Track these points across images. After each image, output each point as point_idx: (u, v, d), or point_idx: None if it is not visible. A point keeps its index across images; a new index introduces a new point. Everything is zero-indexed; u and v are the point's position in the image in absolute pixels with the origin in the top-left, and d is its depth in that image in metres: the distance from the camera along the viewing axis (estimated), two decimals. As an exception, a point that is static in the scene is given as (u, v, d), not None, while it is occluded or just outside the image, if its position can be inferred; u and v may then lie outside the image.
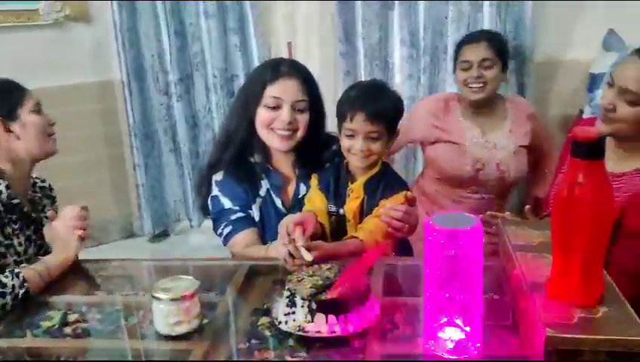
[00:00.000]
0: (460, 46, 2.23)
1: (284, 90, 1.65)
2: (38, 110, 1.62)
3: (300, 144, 1.71)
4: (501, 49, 2.18)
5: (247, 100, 1.71)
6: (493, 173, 2.19)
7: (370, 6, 2.92)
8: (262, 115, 1.67)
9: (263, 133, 1.69)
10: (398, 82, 3.02)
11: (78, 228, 1.54)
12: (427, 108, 2.29)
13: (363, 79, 2.97)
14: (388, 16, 2.96)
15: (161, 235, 3.49)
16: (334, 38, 3.02)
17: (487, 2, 2.82)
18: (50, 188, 1.77)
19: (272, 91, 1.65)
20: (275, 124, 1.66)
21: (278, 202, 1.73)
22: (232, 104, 1.84)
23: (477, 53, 2.14)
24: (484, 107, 2.20)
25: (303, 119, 1.68)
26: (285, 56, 3.17)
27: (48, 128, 1.65)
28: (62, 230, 1.54)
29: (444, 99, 2.32)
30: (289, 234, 1.41)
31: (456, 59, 2.24)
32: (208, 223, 1.82)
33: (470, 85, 2.15)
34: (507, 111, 2.24)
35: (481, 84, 2.13)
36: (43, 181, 1.76)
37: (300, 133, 1.68)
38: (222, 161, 1.75)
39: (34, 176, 1.71)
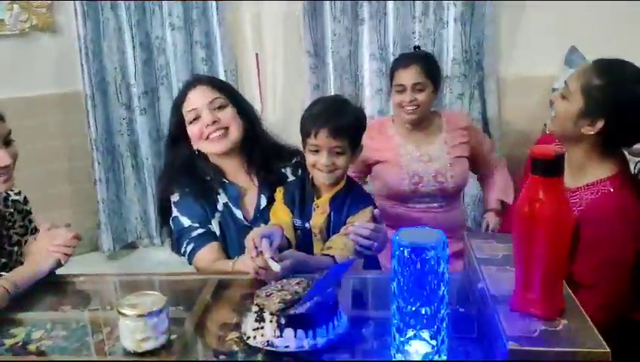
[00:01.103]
0: (393, 69, 2.30)
1: (194, 100, 1.71)
2: None
3: (243, 147, 1.74)
4: (432, 71, 2.25)
5: (176, 128, 1.76)
6: (432, 184, 2.25)
7: (340, 20, 2.95)
8: (190, 131, 1.72)
9: (201, 146, 1.73)
10: (368, 96, 3.05)
11: (60, 253, 1.51)
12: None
13: (333, 93, 2.99)
14: (358, 31, 3.00)
15: (127, 248, 3.43)
16: (303, 51, 3.03)
17: (452, 19, 2.88)
18: (25, 202, 1.71)
19: (187, 107, 1.72)
20: (204, 132, 1.69)
21: (239, 213, 1.74)
22: (166, 137, 1.89)
23: (409, 77, 2.21)
24: (419, 124, 2.27)
25: (228, 114, 1.71)
26: (253, 68, 3.20)
27: None
28: (41, 248, 1.51)
29: (378, 122, 2.43)
30: (256, 247, 1.41)
31: (391, 81, 2.30)
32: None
33: (405, 107, 2.23)
34: (442, 125, 2.30)
35: (415, 107, 2.21)
36: (17, 193, 1.69)
37: (233, 131, 1.71)
38: (175, 185, 1.77)
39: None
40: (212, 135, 1.69)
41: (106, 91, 3.16)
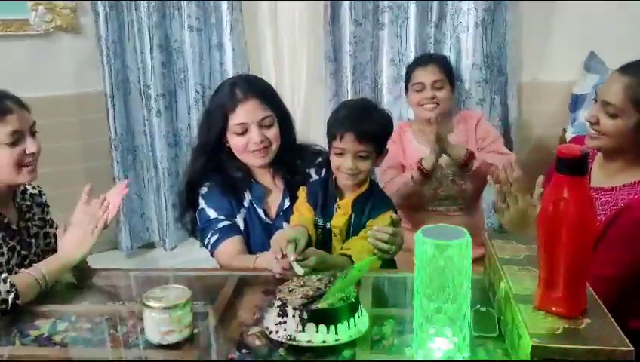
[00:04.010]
0: (411, 69, 2.32)
1: (246, 114, 1.70)
2: (13, 140, 1.48)
3: (276, 154, 1.76)
4: (448, 71, 2.29)
5: (219, 134, 1.74)
6: (451, 188, 2.26)
7: (361, 25, 2.96)
8: (234, 142, 1.73)
9: (241, 157, 1.75)
10: (387, 102, 3.02)
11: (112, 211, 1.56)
12: None
13: (350, 98, 2.98)
14: (379, 36, 3.00)
15: (147, 247, 3.46)
16: (323, 55, 3.03)
17: (473, 24, 2.87)
18: (41, 194, 1.74)
19: (236, 119, 1.70)
20: (250, 147, 1.71)
21: (261, 212, 1.78)
22: (199, 131, 1.87)
23: (428, 75, 2.24)
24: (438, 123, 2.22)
25: (273, 133, 1.73)
26: (272, 72, 3.21)
27: (25, 158, 1.52)
28: (82, 222, 1.54)
29: (398, 125, 2.39)
30: (282, 250, 1.42)
31: (407, 81, 2.32)
32: (183, 246, 1.81)
33: (424, 105, 2.24)
34: (455, 126, 2.29)
35: (435, 104, 2.23)
36: (34, 187, 1.73)
37: (274, 146, 1.74)
38: (204, 179, 1.79)
39: None
40: (256, 152, 1.72)
41: (128, 92, 3.19)
